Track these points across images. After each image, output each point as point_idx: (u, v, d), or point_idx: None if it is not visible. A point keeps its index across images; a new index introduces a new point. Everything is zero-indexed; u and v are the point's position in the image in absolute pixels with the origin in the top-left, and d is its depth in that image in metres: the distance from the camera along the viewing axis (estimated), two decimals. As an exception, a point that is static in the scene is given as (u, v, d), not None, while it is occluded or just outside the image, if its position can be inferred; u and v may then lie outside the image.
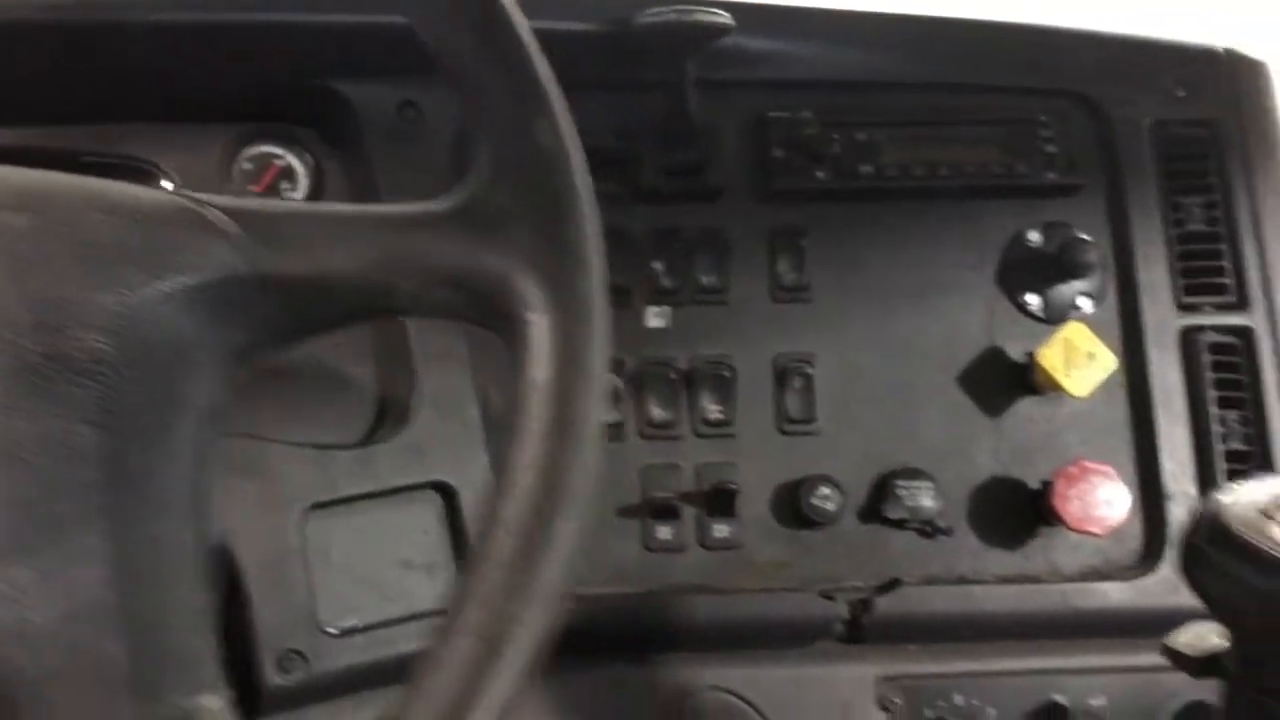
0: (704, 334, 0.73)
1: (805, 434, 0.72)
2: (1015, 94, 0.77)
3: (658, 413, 0.71)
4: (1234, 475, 0.71)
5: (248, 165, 0.72)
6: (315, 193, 0.73)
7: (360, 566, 0.64)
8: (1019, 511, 0.72)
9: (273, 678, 0.61)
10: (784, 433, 0.72)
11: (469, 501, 0.68)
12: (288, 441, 0.65)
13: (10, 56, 0.66)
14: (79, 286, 0.35)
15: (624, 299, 0.73)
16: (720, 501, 0.70)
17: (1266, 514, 0.40)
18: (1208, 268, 0.75)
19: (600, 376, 0.35)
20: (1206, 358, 0.73)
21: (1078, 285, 0.74)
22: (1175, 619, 0.50)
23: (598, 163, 0.73)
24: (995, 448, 0.72)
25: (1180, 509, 0.71)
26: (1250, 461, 0.72)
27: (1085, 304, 0.74)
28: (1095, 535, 0.69)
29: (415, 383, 0.66)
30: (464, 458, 0.66)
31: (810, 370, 0.72)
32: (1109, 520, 0.68)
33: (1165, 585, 0.69)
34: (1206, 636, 0.45)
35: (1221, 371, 0.73)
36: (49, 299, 0.35)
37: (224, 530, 0.63)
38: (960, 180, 0.74)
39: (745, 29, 0.71)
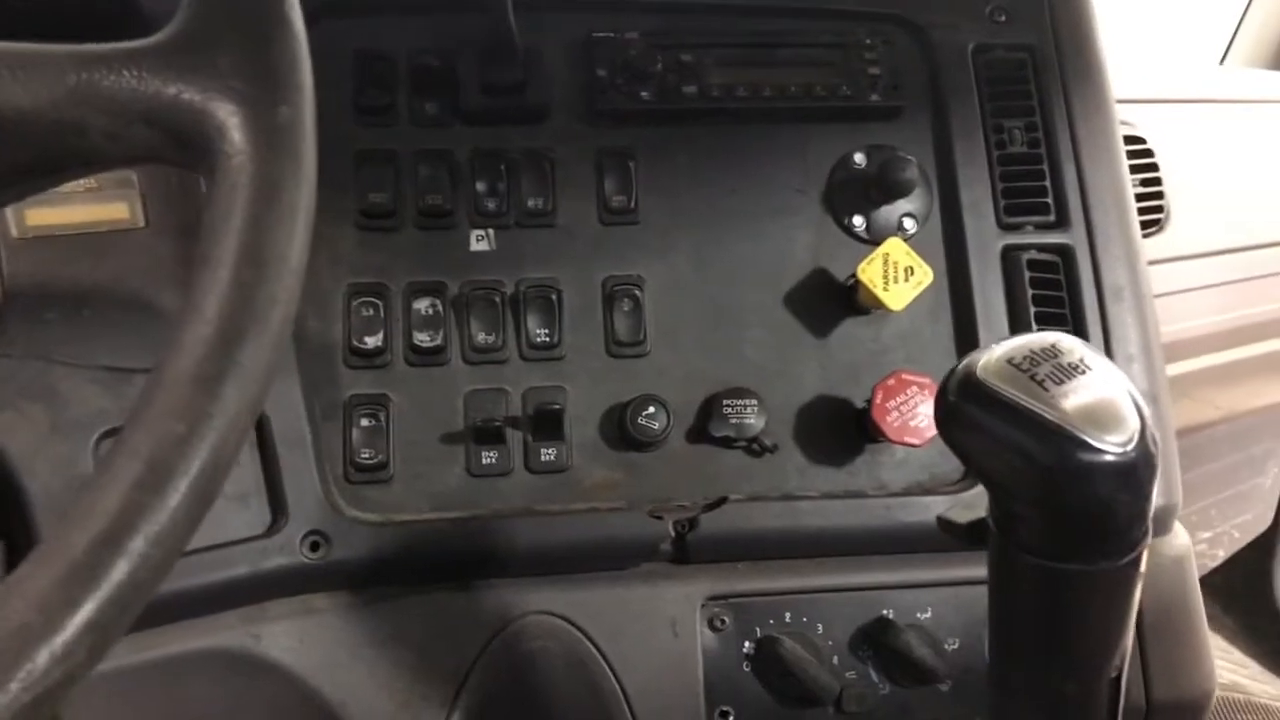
0: (530, 257, 0.72)
1: (633, 356, 0.71)
2: (841, 18, 0.77)
3: (482, 337, 0.70)
4: (1052, 388, 0.72)
5: None
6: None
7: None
8: (844, 428, 0.72)
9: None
10: (612, 355, 0.71)
11: (280, 427, 0.66)
12: (78, 364, 0.62)
13: None
14: None
15: (447, 221, 0.71)
16: (545, 424, 0.69)
17: (1018, 367, 0.40)
18: (1029, 188, 0.76)
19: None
20: (1027, 275, 0.74)
21: (902, 205, 0.75)
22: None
23: (419, 84, 0.73)
24: (821, 367, 0.73)
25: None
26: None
27: (909, 224, 0.75)
28: (915, 446, 0.69)
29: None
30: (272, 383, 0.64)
31: (638, 293, 0.72)
32: (928, 431, 0.69)
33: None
34: (976, 506, 0.45)
35: (1041, 288, 0.74)
36: None
37: (8, 454, 0.60)
38: (786, 103, 0.74)
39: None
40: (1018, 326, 0.73)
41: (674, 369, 0.72)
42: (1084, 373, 0.40)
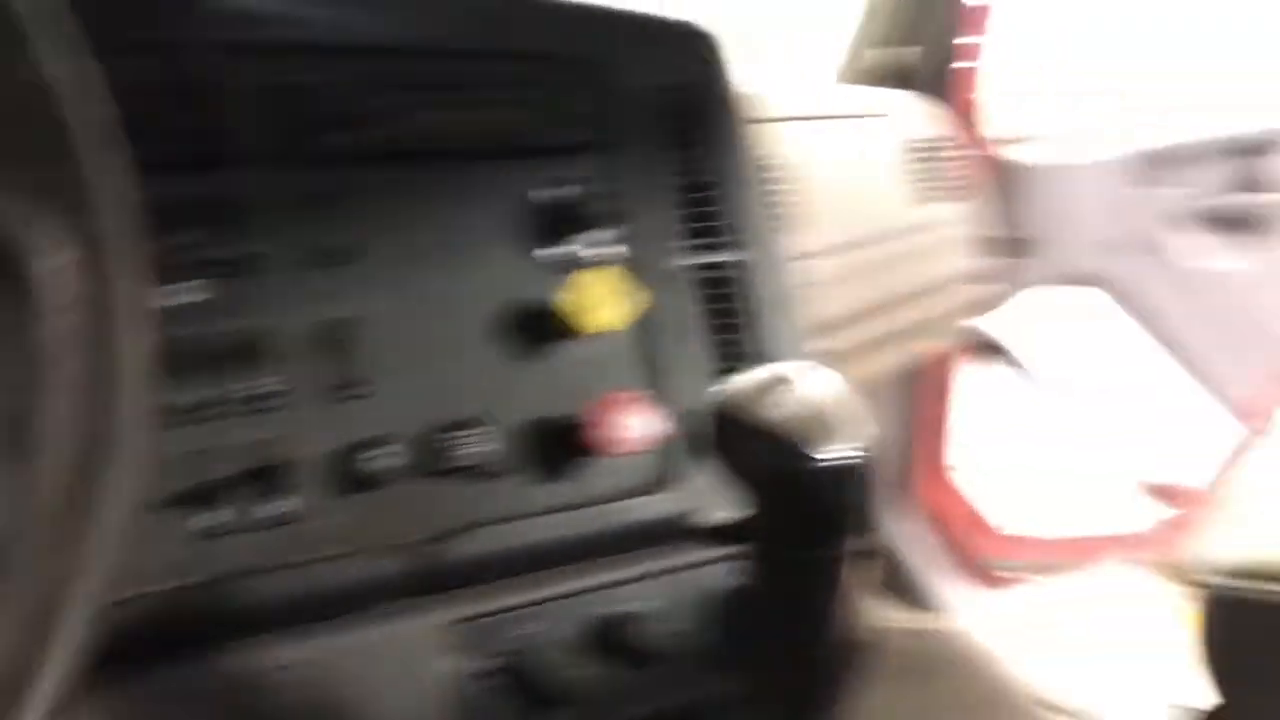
0: (240, 306, 0.70)
1: (356, 397, 0.72)
2: (526, 60, 0.82)
3: (197, 393, 0.67)
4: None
5: None
6: None
7: None
8: (566, 445, 0.77)
9: None
10: (334, 399, 0.72)
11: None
12: None
13: None
14: None
15: (155, 273, 0.68)
16: (270, 478, 0.68)
17: (761, 393, 0.48)
18: (704, 213, 0.85)
19: (141, 314, 0.33)
20: (709, 291, 0.83)
21: (594, 235, 0.81)
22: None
23: (117, 132, 0.68)
24: (540, 390, 0.77)
25: (701, 425, 0.80)
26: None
27: (601, 252, 0.82)
28: (632, 455, 0.76)
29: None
30: None
31: (356, 334, 0.72)
32: (641, 440, 0.76)
33: (698, 490, 0.79)
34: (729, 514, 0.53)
35: (722, 302, 0.84)
36: None
37: None
38: (479, 143, 0.78)
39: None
40: (710, 339, 0.82)
41: (399, 406, 0.73)
42: (809, 396, 0.48)
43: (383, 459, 0.70)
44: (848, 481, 0.47)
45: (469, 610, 0.72)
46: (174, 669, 0.65)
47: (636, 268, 0.82)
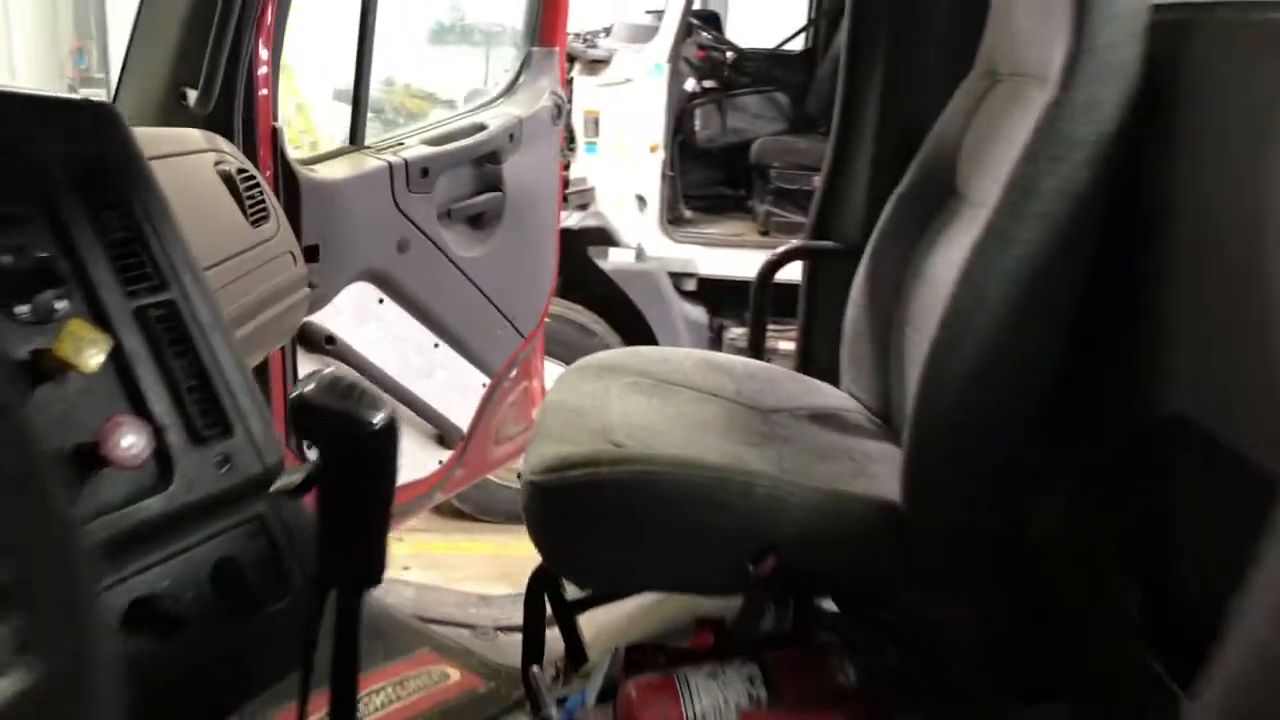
0: None
1: None
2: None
3: None
4: (199, 404, 1.02)
5: None
6: None
7: None
8: (84, 465, 0.90)
9: None
10: None
11: None
12: None
13: None
14: None
15: None
16: None
17: (322, 389, 0.74)
18: (136, 262, 1.02)
19: None
20: (156, 327, 1.01)
21: (52, 292, 0.94)
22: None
23: None
24: (50, 424, 0.89)
25: (176, 435, 0.99)
26: (202, 390, 1.04)
27: (64, 304, 0.95)
28: (133, 469, 0.93)
29: None
30: None
31: None
32: (137, 454, 0.93)
33: (188, 483, 0.97)
34: (294, 475, 0.77)
35: (170, 334, 1.02)
36: None
37: None
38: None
39: None
40: (163, 364, 1.00)
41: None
42: (347, 382, 0.76)
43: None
44: (388, 436, 0.76)
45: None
46: None
47: (97, 315, 0.97)
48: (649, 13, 4.91)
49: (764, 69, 5.02)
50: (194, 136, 1.68)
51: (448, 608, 2.37)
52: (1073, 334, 1.23)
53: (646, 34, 4.58)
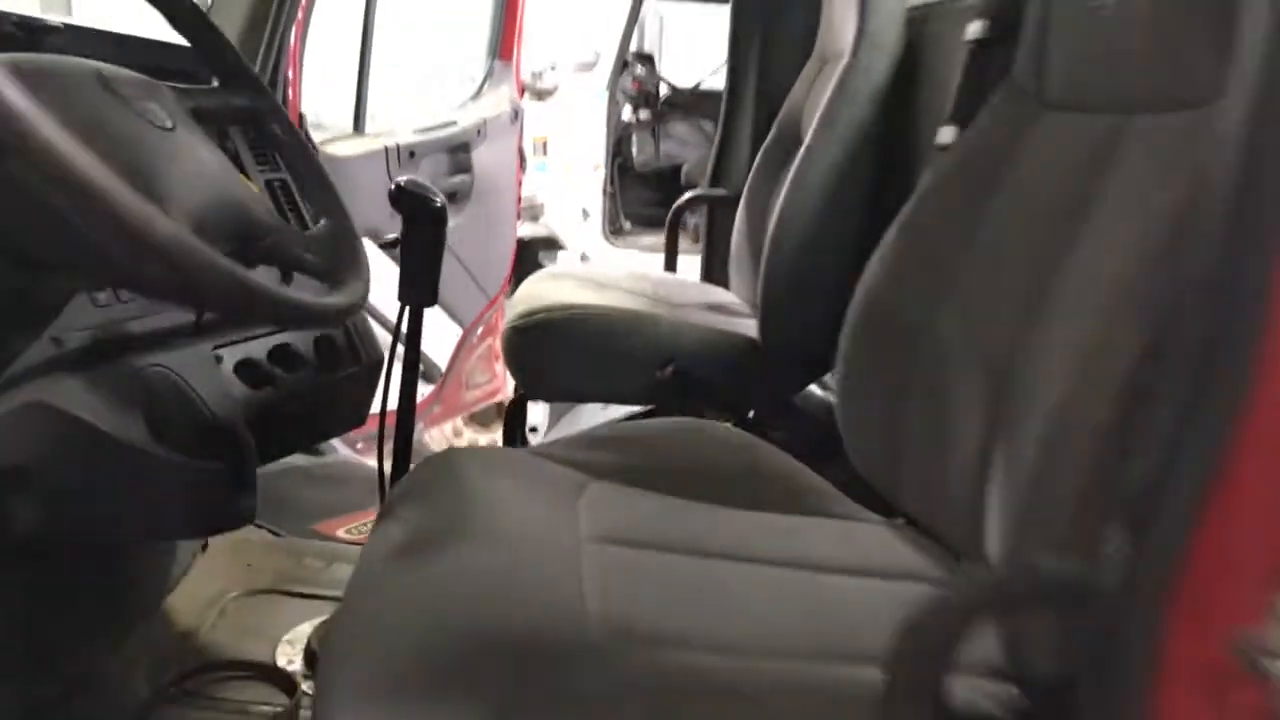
0: None
1: None
2: None
3: None
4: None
5: None
6: None
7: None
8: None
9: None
10: None
11: None
12: None
13: None
14: None
15: None
16: None
17: (414, 185, 1.35)
18: (270, 155, 1.62)
19: None
20: (279, 191, 1.61)
21: (221, 160, 1.54)
22: None
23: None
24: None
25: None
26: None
27: (228, 169, 1.54)
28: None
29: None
30: None
31: None
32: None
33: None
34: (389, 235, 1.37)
35: (286, 198, 1.62)
36: None
37: None
38: None
39: None
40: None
41: None
42: (422, 185, 1.38)
43: None
44: (441, 211, 1.36)
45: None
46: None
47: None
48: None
49: (691, 101, 5.73)
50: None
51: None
52: (864, 219, 1.88)
53: (588, 68, 5.27)
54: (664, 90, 5.80)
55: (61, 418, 1.16)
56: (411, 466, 1.50)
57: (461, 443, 3.32)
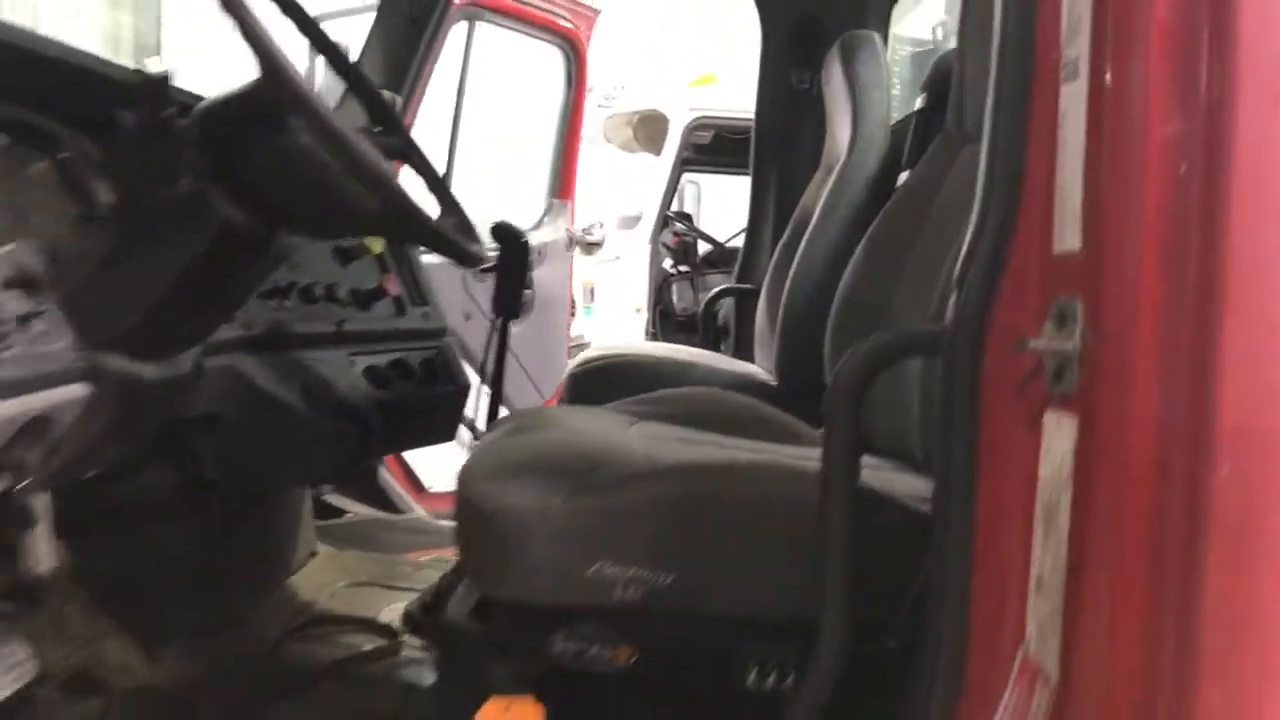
0: None
1: None
2: None
3: None
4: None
5: None
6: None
7: None
8: (371, 297, 1.93)
9: None
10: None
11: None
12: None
13: None
14: None
15: None
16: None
17: (508, 226, 1.79)
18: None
19: None
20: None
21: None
22: None
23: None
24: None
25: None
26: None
27: (360, 230, 2.02)
28: (392, 297, 1.96)
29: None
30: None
31: None
32: (396, 292, 1.96)
33: (410, 317, 2.00)
34: (488, 259, 1.81)
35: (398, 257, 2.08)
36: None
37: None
38: None
39: None
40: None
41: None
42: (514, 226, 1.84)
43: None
44: (526, 244, 1.80)
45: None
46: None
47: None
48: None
49: (725, 254, 6.28)
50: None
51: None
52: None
53: (632, 223, 5.88)
54: (702, 247, 6.37)
55: (245, 382, 1.58)
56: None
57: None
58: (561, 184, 3.91)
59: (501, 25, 3.26)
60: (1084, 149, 0.75)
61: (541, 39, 3.51)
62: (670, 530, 1.03)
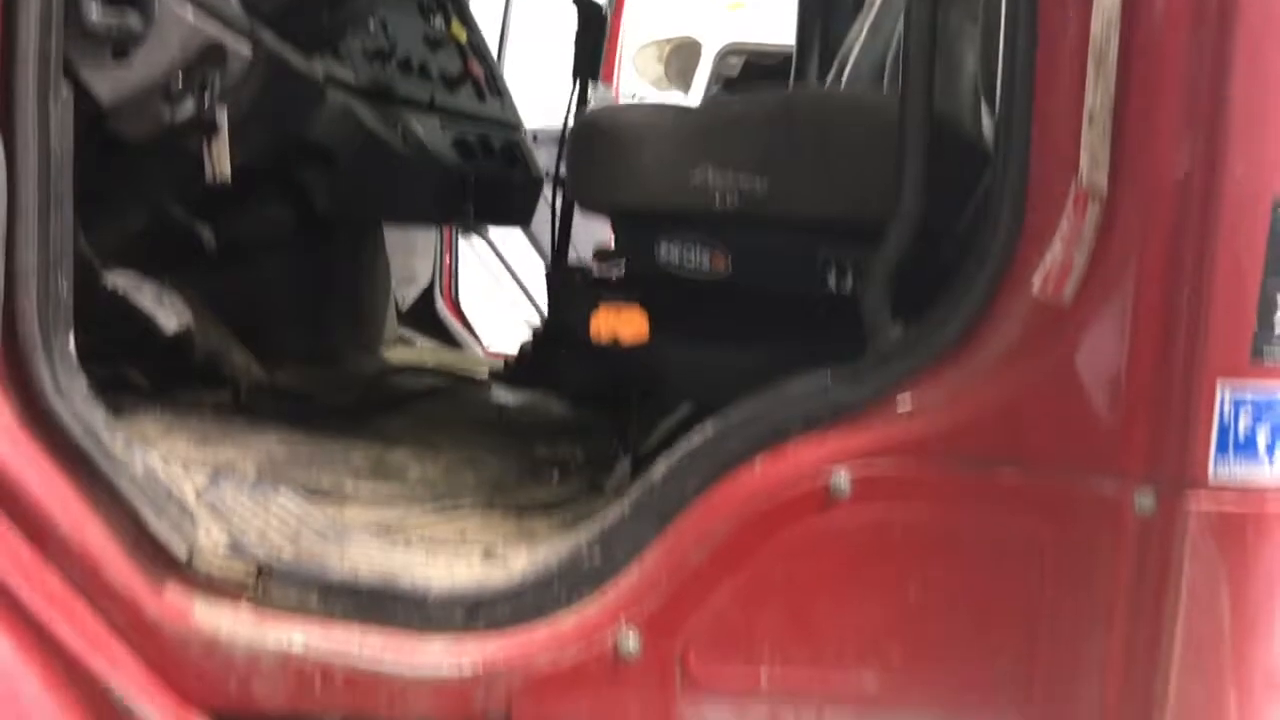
0: None
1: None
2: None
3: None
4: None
5: None
6: None
7: None
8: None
9: None
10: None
11: None
12: None
13: None
14: None
15: None
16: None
17: None
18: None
19: None
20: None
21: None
22: None
23: None
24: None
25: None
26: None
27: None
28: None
29: None
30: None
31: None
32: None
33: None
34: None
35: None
36: None
37: None
38: None
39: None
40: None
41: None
42: None
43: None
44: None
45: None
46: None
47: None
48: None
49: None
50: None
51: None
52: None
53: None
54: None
55: (356, 121, 1.76)
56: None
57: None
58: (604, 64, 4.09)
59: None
60: None
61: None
62: (766, 136, 1.19)
